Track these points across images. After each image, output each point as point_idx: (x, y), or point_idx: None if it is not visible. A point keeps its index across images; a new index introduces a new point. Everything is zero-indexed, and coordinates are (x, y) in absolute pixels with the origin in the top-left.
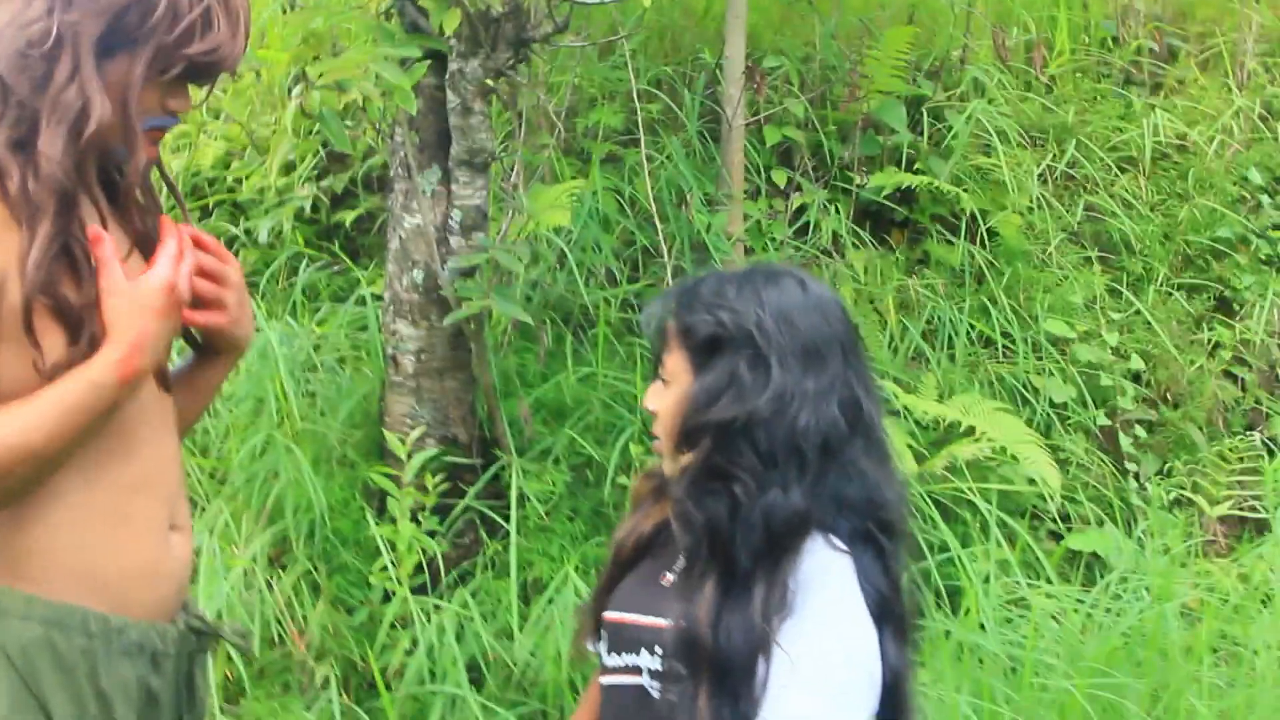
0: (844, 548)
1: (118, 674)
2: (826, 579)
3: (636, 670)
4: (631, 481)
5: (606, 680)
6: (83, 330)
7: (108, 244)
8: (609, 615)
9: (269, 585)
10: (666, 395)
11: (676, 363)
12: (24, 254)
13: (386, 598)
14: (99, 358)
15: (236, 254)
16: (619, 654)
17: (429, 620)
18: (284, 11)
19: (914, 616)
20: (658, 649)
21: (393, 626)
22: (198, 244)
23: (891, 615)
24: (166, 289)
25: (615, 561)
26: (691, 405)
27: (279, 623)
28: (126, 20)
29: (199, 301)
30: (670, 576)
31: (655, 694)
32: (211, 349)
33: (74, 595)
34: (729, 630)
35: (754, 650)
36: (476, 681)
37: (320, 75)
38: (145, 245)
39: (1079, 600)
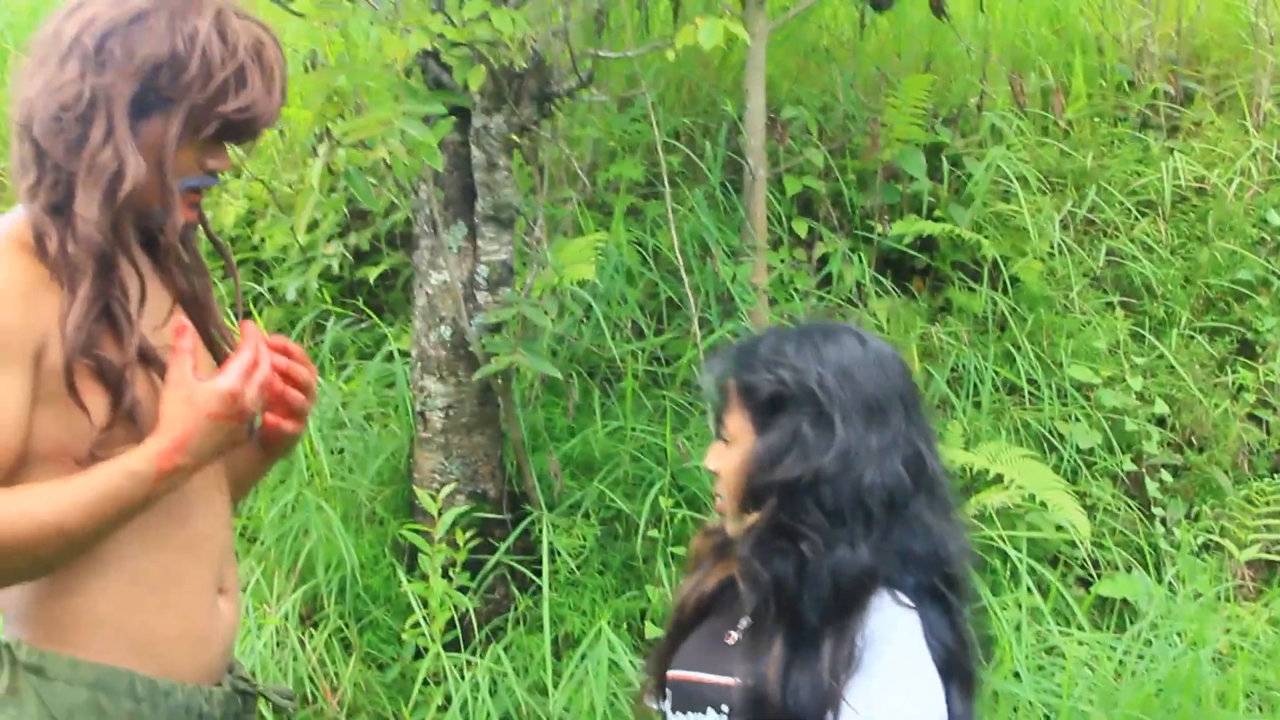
0: (910, 604)
1: None
2: (893, 635)
3: None
4: (692, 540)
5: None
6: (125, 392)
7: (190, 337)
8: (674, 674)
9: (301, 643)
10: (729, 455)
11: (738, 422)
12: (64, 315)
13: (418, 654)
14: (142, 448)
15: (260, 312)
16: (684, 712)
17: (462, 676)
18: (306, 70)
19: (978, 671)
20: (724, 707)
21: (425, 683)
22: (284, 351)
23: (958, 670)
24: (228, 397)
25: (678, 620)
26: (756, 465)
27: (311, 680)
28: (159, 80)
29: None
30: (735, 635)
31: None
32: (267, 448)
33: (120, 659)
34: (797, 688)
35: (822, 708)
36: None
37: (345, 134)
38: (190, 305)
39: (1111, 647)
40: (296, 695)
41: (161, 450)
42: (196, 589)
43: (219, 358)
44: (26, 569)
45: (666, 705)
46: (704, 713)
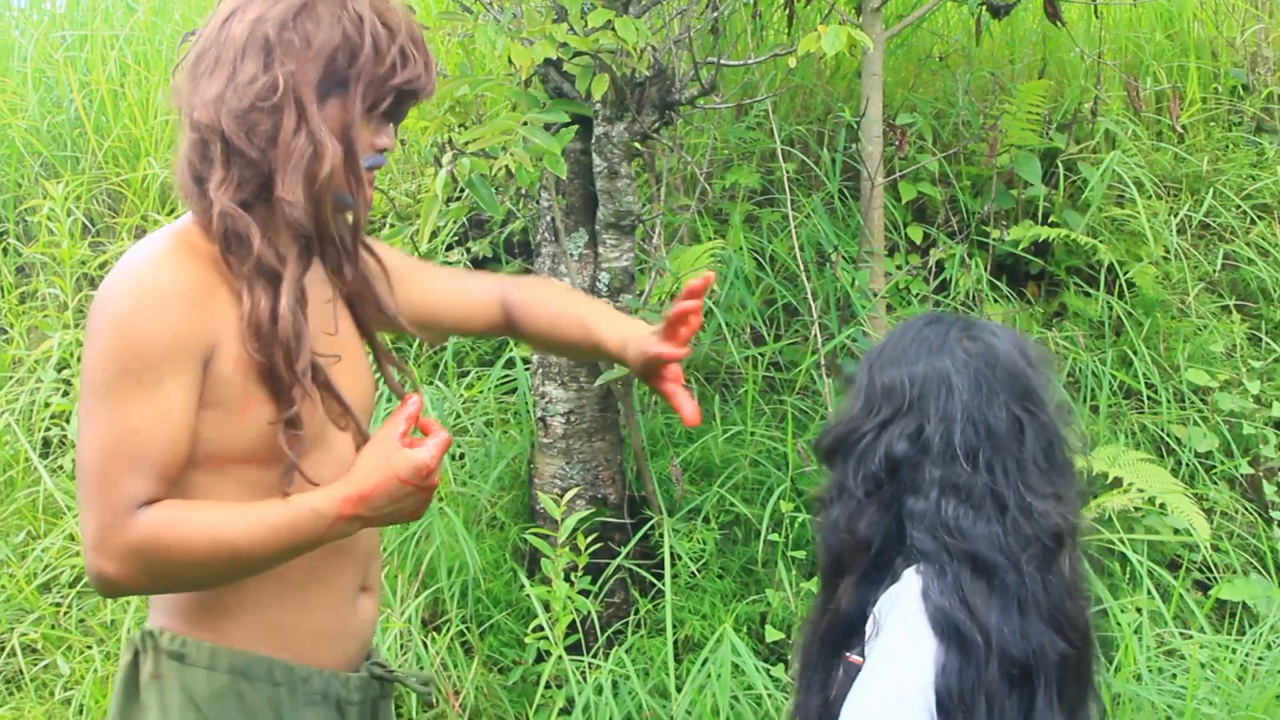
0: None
1: None
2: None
3: None
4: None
5: None
6: (295, 393)
7: (414, 404)
8: None
9: (424, 646)
10: None
11: None
12: (247, 317)
13: (539, 658)
14: (328, 490)
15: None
16: None
17: (584, 680)
18: None
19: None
20: None
21: (547, 686)
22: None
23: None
24: (422, 469)
25: None
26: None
27: (435, 684)
28: (338, 62)
29: None
30: None
31: None
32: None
33: (259, 646)
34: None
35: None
36: None
37: (468, 142)
38: (356, 303)
39: (1231, 650)
40: (418, 699)
41: (346, 496)
42: (339, 588)
43: (377, 352)
44: (191, 580)
45: None
46: None
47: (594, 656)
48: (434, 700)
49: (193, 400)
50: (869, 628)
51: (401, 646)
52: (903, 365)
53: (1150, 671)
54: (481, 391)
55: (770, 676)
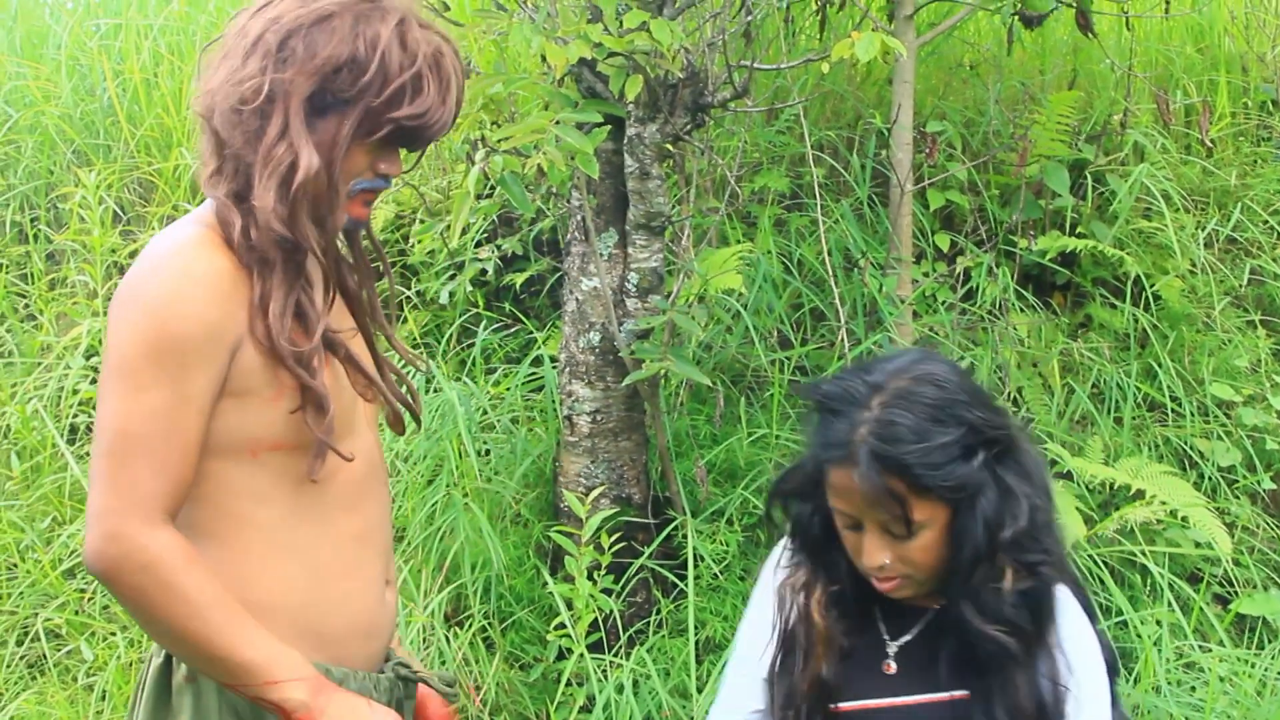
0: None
1: None
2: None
3: None
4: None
5: None
6: (313, 378)
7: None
8: (847, 705)
9: (446, 640)
10: (918, 540)
11: (927, 510)
12: (259, 300)
13: (560, 655)
14: (299, 682)
15: (407, 318)
16: None
17: (605, 678)
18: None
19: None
20: None
21: (568, 683)
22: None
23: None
24: None
25: (814, 657)
26: (988, 529)
27: (459, 685)
28: (338, 81)
29: None
30: (893, 665)
31: None
32: None
33: (297, 648)
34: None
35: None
36: None
37: (501, 140)
38: (353, 302)
39: (1250, 664)
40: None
41: (302, 701)
42: (369, 580)
43: (376, 358)
44: (145, 619)
45: None
46: None
47: (615, 655)
48: (456, 700)
49: (214, 390)
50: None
51: (424, 641)
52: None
53: (1169, 684)
54: (508, 389)
55: None
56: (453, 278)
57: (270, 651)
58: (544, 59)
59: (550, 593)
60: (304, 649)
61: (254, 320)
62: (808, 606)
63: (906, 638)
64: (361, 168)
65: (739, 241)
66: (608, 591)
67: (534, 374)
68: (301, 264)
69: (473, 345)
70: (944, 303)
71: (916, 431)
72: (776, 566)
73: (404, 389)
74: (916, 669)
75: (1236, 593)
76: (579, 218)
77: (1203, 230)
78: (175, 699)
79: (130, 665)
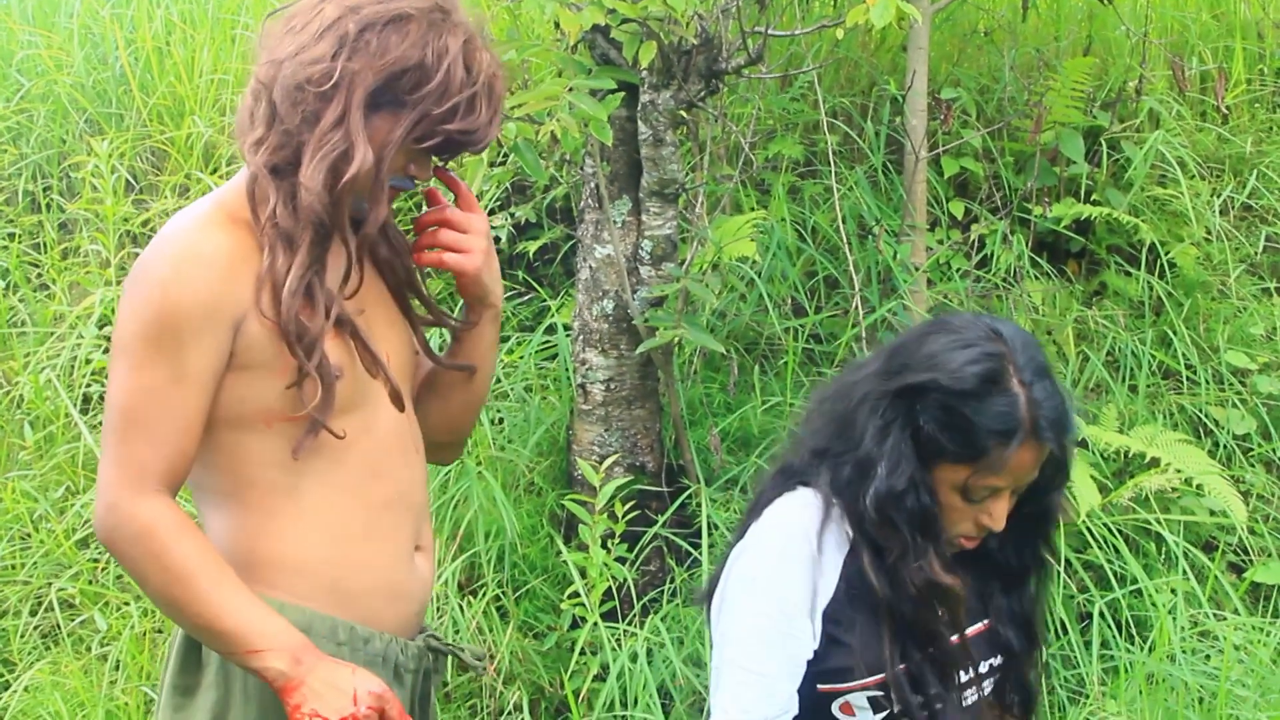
0: None
1: None
2: None
3: None
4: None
5: None
6: (314, 355)
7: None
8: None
9: (460, 609)
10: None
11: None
12: (270, 273)
13: (574, 624)
14: (279, 651)
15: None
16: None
17: (620, 646)
18: None
19: None
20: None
21: (581, 652)
22: (451, 185)
23: None
24: (378, 696)
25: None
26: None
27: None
28: (401, 82)
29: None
30: None
31: None
32: (469, 311)
33: (323, 605)
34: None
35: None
36: (665, 709)
37: (514, 108)
38: (388, 273)
39: (1265, 632)
40: (452, 662)
41: (305, 642)
42: (395, 544)
43: (412, 324)
44: (140, 581)
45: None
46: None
47: (629, 624)
48: (485, 675)
49: (214, 365)
50: None
51: (438, 610)
52: None
53: (1184, 652)
54: (522, 357)
55: None
56: None
57: (254, 621)
58: (557, 25)
59: (564, 561)
60: (328, 607)
61: (260, 294)
62: (952, 581)
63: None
64: (398, 166)
65: (753, 209)
66: (621, 560)
67: (547, 342)
68: (326, 247)
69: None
70: (958, 270)
71: (1063, 395)
72: (818, 552)
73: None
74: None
75: (1251, 561)
76: (592, 185)
77: (1218, 197)
78: (205, 652)
79: (145, 635)
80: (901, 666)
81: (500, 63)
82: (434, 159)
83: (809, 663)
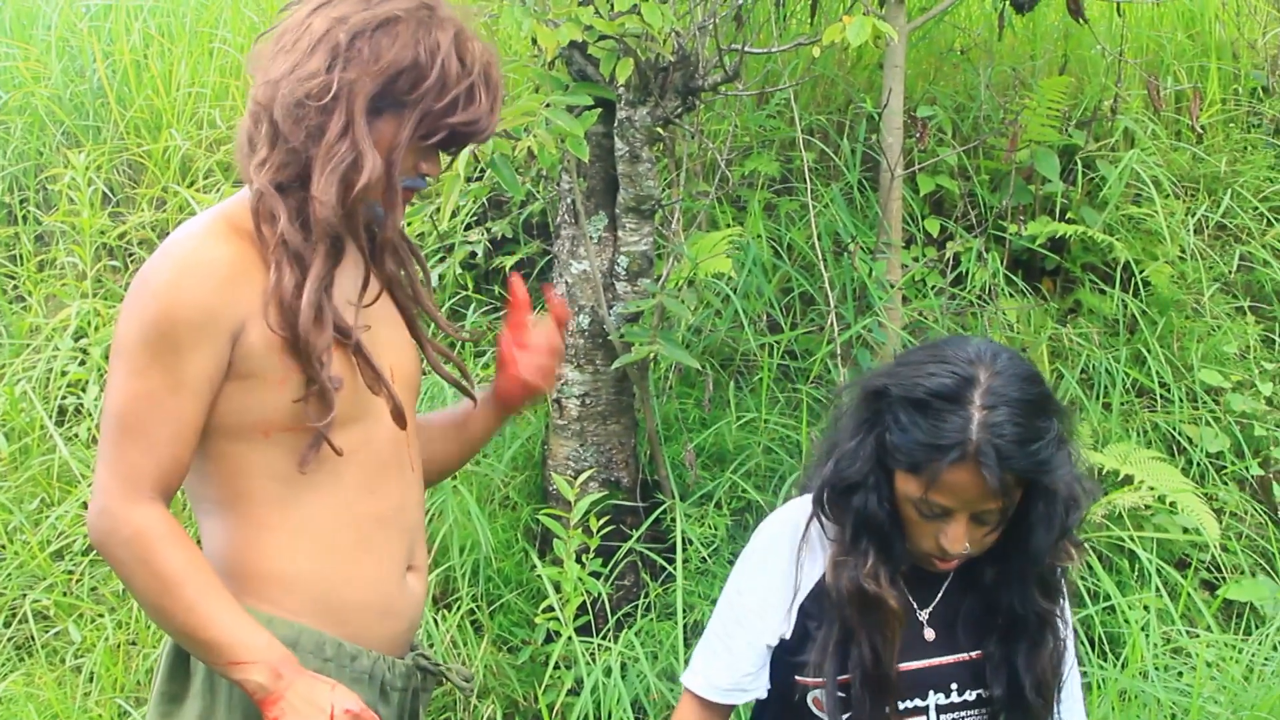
0: None
1: None
2: None
3: None
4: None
5: None
6: (320, 368)
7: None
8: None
9: (434, 623)
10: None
11: (1016, 494)
12: (277, 289)
13: (548, 638)
14: (260, 665)
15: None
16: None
17: (594, 660)
18: None
19: None
20: (953, 685)
21: (556, 666)
22: (552, 308)
23: None
24: (352, 713)
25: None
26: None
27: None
28: (398, 85)
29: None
30: (930, 631)
31: None
32: (498, 405)
33: (312, 620)
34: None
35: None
36: None
37: None
38: (397, 290)
39: (1237, 650)
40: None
41: (286, 655)
42: (387, 560)
43: (419, 338)
44: (127, 584)
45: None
46: (924, 698)
47: (603, 638)
48: (471, 695)
49: (211, 374)
50: None
51: None
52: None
53: (1157, 669)
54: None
55: None
56: (442, 260)
57: (237, 632)
58: (534, 41)
59: (539, 576)
60: (317, 621)
61: (269, 308)
62: (879, 590)
63: (931, 605)
64: (408, 167)
65: (729, 225)
66: (596, 575)
67: None
68: (339, 259)
69: (462, 328)
70: (933, 288)
71: (1030, 430)
72: (802, 542)
73: (452, 368)
74: (944, 630)
75: (1224, 578)
76: (569, 201)
77: (1192, 216)
78: (193, 661)
79: (119, 647)
80: (842, 678)
81: (493, 50)
82: (441, 154)
83: (787, 651)
